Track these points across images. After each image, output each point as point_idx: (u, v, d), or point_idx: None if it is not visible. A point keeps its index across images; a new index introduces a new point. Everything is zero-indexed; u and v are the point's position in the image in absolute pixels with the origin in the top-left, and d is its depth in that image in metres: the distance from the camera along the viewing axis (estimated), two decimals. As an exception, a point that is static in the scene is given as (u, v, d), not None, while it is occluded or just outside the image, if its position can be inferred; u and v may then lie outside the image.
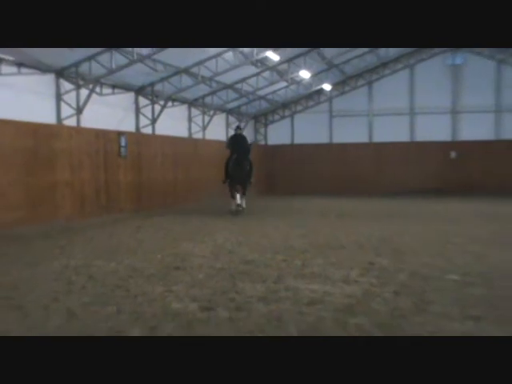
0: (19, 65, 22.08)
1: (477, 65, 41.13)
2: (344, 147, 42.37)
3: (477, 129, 41.11)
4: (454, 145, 41.67)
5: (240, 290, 10.21)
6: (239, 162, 25.06)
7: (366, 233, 18.30)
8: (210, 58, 28.51)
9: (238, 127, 27.22)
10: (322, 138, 43.52)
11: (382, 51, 38.56)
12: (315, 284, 10.65)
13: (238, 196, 25.29)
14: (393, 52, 39.78)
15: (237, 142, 25.80)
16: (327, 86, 41.29)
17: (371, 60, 40.15)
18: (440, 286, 10.62)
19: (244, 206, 25.28)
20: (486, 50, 40.63)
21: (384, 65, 41.95)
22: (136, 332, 7.71)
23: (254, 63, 31.53)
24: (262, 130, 44.63)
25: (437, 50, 41.31)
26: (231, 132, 39.86)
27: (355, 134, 42.78)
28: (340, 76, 41.41)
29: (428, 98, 41.78)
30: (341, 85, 42.92)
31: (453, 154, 41.26)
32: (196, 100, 34.41)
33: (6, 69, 21.54)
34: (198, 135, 36.00)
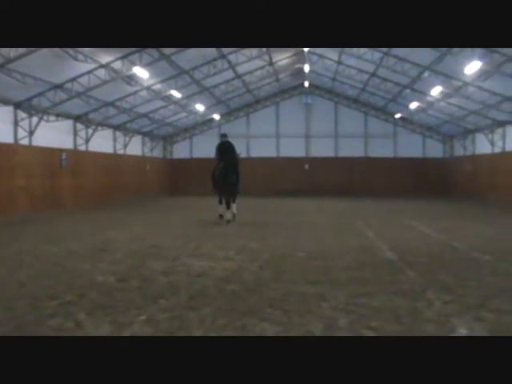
0: (-14, 98, 21.57)
1: (322, 104, 42.63)
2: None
3: (322, 148, 42.67)
4: (307, 160, 42.67)
5: (147, 266, 10.23)
6: (226, 172, 18.37)
7: (241, 223, 18.50)
8: (129, 95, 28.30)
9: (224, 135, 20.16)
10: (213, 154, 43.53)
11: (256, 92, 38.91)
12: (203, 261, 10.76)
13: (223, 208, 18.80)
14: (264, 92, 40.25)
15: (223, 150, 19.07)
16: (217, 116, 41.48)
17: (248, 98, 40.52)
18: (291, 261, 10.91)
19: (235, 211, 18.67)
20: (327, 94, 42.01)
21: (257, 102, 42.44)
22: (68, 297, 7.68)
23: (163, 98, 31.40)
24: (169, 148, 44.29)
25: (295, 91, 42.30)
26: (146, 150, 39.48)
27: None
28: (226, 109, 41.58)
29: (289, 126, 42.73)
30: (227, 115, 43.07)
31: (306, 166, 42.26)
32: (119, 125, 33.96)
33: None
34: (121, 152, 35.48)
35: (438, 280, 8.98)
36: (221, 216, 18.94)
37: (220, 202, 19.20)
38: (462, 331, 6.11)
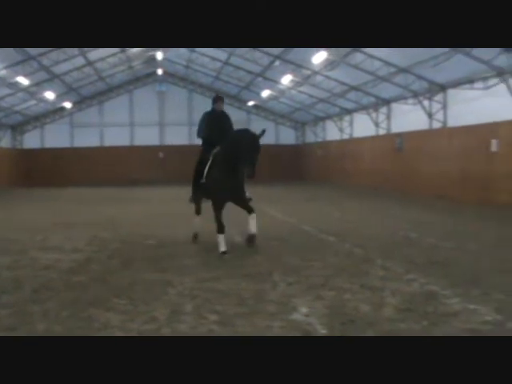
0: None
1: (176, 92, 42.60)
2: (81, 150, 41.63)
3: (177, 136, 42.55)
4: (161, 148, 42.55)
5: (-10, 262, 9.84)
6: (232, 162, 10.18)
7: (96, 213, 18.18)
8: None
9: (219, 98, 11.91)
10: (66, 144, 42.42)
11: (109, 79, 38.16)
12: (50, 254, 10.48)
13: (199, 222, 11.68)
14: (117, 80, 39.58)
15: (219, 124, 11.22)
16: (68, 104, 40.19)
17: (101, 86, 39.69)
18: (141, 249, 10.94)
19: (254, 230, 10.57)
20: (181, 82, 41.99)
21: (111, 90, 41.68)
22: None
23: (9, 85, 30.00)
24: (19, 138, 42.47)
25: (149, 79, 41.91)
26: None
27: (90, 140, 42.18)
28: (78, 97, 40.45)
29: (143, 115, 42.31)
30: (79, 103, 41.93)
31: (161, 155, 42.08)
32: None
33: None
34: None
35: (285, 262, 9.33)
36: (195, 236, 11.65)
37: (219, 230, 10.30)
38: (303, 310, 6.39)
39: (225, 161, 10.31)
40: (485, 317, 6.07)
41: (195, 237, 11.58)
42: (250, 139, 10.05)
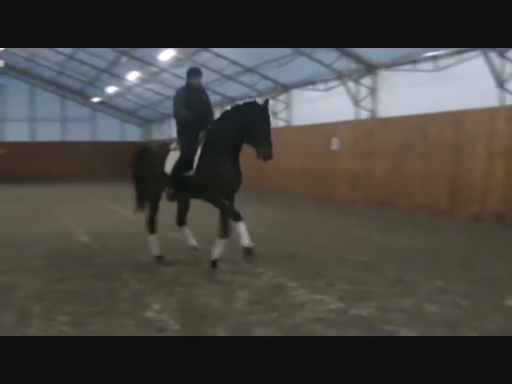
0: None
1: (17, 86, 40.47)
2: None
3: (18, 133, 40.49)
4: (1, 145, 39.95)
5: None
6: (242, 141, 8.39)
7: None
8: None
9: (198, 71, 9.03)
10: None
11: None
12: None
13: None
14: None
15: (199, 101, 8.87)
16: None
17: None
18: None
19: (248, 242, 7.74)
20: (22, 76, 40.22)
21: None
22: None
23: None
24: None
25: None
26: None
27: None
28: None
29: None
30: None
31: (1, 152, 39.81)
32: None
33: None
34: None
35: (134, 260, 9.40)
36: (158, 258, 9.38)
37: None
38: (155, 307, 6.47)
39: (227, 143, 8.39)
40: (330, 306, 6.48)
41: (159, 258, 9.30)
42: (261, 113, 8.16)
